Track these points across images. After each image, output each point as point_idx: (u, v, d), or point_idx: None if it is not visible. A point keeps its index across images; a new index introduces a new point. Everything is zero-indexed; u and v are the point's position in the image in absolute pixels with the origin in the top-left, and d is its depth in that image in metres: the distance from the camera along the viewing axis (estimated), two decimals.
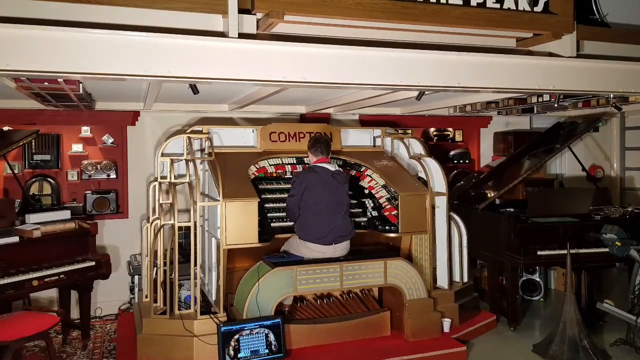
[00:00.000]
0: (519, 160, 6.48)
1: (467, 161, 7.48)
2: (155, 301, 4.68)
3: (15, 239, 4.49)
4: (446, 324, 4.92)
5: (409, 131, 7.15)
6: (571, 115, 7.28)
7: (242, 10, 3.60)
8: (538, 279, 6.31)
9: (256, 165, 5.10)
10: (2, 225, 4.53)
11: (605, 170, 8.01)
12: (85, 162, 5.96)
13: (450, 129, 7.53)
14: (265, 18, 3.65)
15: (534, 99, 5.54)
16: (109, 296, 5.91)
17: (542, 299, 6.30)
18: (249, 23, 3.69)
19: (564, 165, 7.89)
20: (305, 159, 5.23)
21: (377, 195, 5.23)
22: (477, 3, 4.15)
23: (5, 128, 5.46)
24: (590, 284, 5.53)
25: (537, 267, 6.24)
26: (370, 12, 3.79)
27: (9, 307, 4.69)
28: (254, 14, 3.68)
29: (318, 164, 4.75)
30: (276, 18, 3.55)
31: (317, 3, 3.64)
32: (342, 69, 3.82)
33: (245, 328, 4.18)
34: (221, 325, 4.15)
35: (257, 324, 4.22)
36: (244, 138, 5.25)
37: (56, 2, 3.25)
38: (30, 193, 5.64)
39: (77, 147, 5.98)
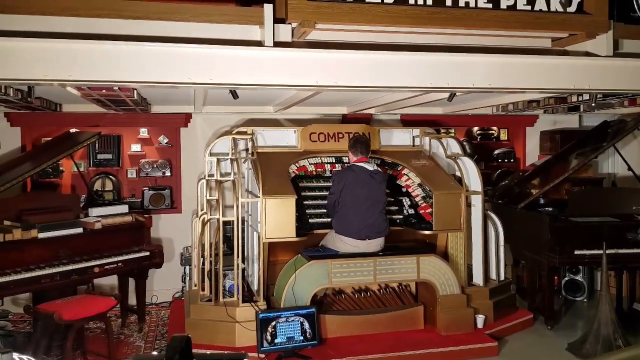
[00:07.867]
0: (565, 158, 6.43)
1: (511, 160, 7.46)
2: (203, 289, 5.07)
3: (80, 230, 4.99)
4: (479, 319, 5.01)
5: (452, 130, 7.21)
6: (623, 113, 7.10)
7: (277, 20, 3.86)
8: (581, 280, 6.23)
9: (297, 164, 5.37)
10: (68, 218, 5.03)
11: None
12: (143, 160, 6.46)
13: (494, 128, 7.52)
14: (299, 27, 3.89)
15: (574, 98, 5.50)
16: (164, 285, 6.37)
17: (585, 300, 6.22)
18: (284, 32, 3.94)
19: (616, 164, 7.68)
20: (344, 158, 5.45)
21: (413, 194, 5.38)
22: (507, 6, 4.19)
23: (72, 130, 6.02)
24: (632, 285, 5.45)
25: (580, 268, 6.18)
26: (398, 19, 3.93)
27: (75, 291, 5.21)
28: (289, 24, 3.94)
29: (356, 164, 4.97)
30: (308, 27, 3.79)
31: (346, 12, 3.82)
32: (371, 73, 4.02)
33: (282, 316, 4.46)
34: (259, 312, 4.47)
35: (292, 312, 4.50)
36: (286, 138, 5.53)
37: (111, 19, 3.65)
38: (94, 189, 6.19)
39: (136, 147, 6.50)
